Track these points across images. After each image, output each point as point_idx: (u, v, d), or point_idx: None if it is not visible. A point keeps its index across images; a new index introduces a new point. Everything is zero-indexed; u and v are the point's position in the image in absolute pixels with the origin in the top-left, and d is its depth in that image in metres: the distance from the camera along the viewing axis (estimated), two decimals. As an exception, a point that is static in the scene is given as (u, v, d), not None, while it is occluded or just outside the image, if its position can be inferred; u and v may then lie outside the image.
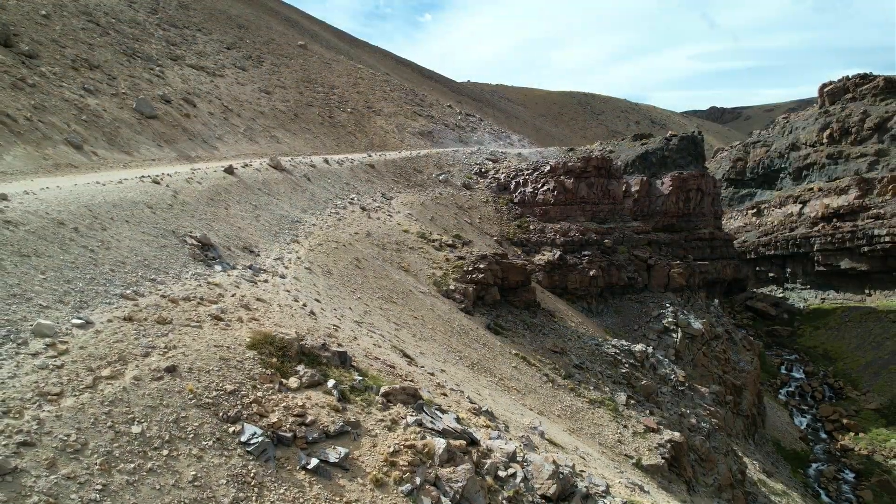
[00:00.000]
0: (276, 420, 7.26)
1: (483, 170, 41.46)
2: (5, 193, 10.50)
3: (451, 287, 22.49)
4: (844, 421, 42.17)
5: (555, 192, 37.36)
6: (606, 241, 36.33)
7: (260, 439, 6.83)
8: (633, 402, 22.23)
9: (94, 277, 9.29)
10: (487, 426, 10.66)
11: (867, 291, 56.69)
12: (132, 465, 5.76)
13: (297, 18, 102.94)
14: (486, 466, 8.12)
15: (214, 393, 7.24)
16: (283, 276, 15.00)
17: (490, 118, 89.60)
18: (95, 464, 5.56)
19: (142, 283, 9.92)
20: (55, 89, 22.71)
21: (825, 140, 65.41)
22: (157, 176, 17.37)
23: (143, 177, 16.86)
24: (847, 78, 68.46)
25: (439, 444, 7.86)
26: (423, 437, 7.98)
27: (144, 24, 40.57)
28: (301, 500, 6.44)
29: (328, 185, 28.63)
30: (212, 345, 8.25)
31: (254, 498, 6.16)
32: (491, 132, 58.72)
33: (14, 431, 5.39)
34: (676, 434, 21.00)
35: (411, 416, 8.45)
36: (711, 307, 40.67)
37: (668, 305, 34.89)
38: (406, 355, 13.89)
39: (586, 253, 34.87)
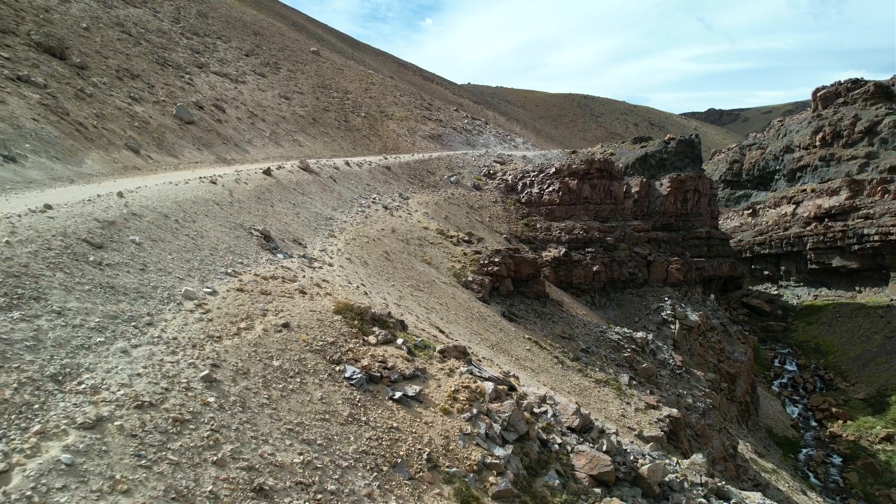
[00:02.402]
0: (366, 363, 9.48)
1: (491, 171, 43.71)
2: (121, 191, 12.71)
3: (470, 278, 24.70)
4: (833, 410, 44.44)
5: (560, 193, 39.62)
6: (608, 238, 38.58)
7: (359, 376, 9.06)
8: (634, 382, 24.45)
9: (203, 259, 11.51)
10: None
11: (857, 288, 59.01)
12: (280, 386, 7.98)
13: (303, 23, 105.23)
14: (524, 404, 10.35)
15: (320, 343, 9.47)
16: (331, 265, 17.21)
17: (492, 122, 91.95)
18: (259, 383, 7.78)
19: (235, 265, 12.14)
20: (108, 98, 24.90)
21: (818, 143, 67.78)
22: (213, 177, 19.55)
23: (201, 177, 19.04)
24: (839, 83, 70.88)
25: (488, 385, 10.09)
26: (475, 382, 10.21)
27: (170, 33, 42.76)
28: (393, 418, 8.66)
29: (351, 185, 30.85)
30: (307, 310, 10.48)
31: (362, 414, 8.38)
32: (496, 135, 61.00)
33: (205, 357, 7.62)
34: (674, 410, 23.21)
35: (464, 367, 10.68)
36: (707, 301, 42.93)
37: (666, 299, 37.14)
38: (441, 331, 16.12)
39: (590, 250, 37.12)
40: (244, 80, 42.57)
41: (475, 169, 43.98)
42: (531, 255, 29.33)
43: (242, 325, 9.04)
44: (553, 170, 40.58)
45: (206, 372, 7.27)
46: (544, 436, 10.01)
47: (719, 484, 11.44)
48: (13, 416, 5.19)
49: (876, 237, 55.68)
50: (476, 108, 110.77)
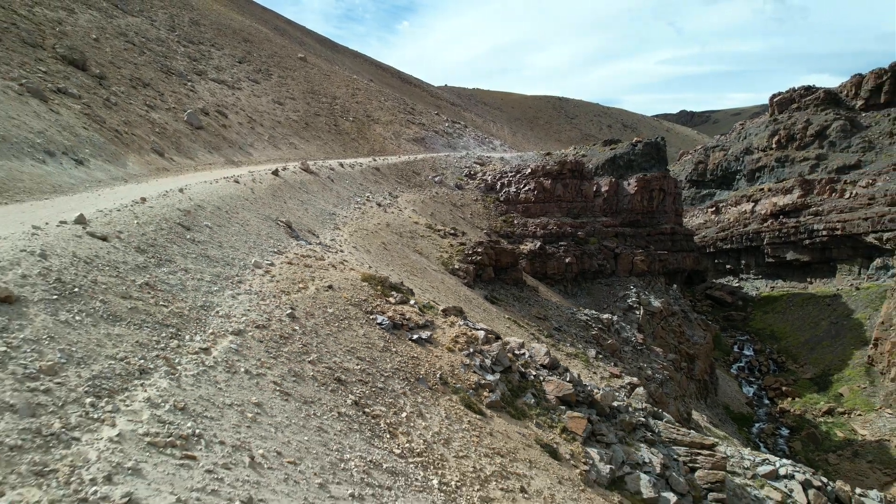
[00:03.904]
0: (391, 315, 12.71)
1: (472, 172, 47.10)
2: (182, 187, 15.70)
3: (456, 266, 27.99)
4: (784, 388, 48.89)
5: (535, 192, 43.18)
6: (580, 233, 42.26)
7: (387, 322, 12.29)
8: (601, 356, 28.03)
9: (255, 241, 14.59)
10: (501, 340, 16.20)
11: (809, 280, 63.93)
12: (337, 325, 11.17)
13: (284, 27, 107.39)
14: (507, 348, 13.70)
15: (357, 299, 12.67)
16: (342, 251, 20.31)
17: (470, 124, 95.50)
18: (322, 321, 10.96)
19: (277, 246, 15.23)
20: (129, 106, 27.57)
21: (774, 145, 72.80)
22: (235, 177, 22.45)
23: (226, 177, 21.94)
24: (793, 89, 76.10)
25: (481, 333, 13.40)
26: (471, 331, 13.51)
27: (168, 42, 45.18)
28: (413, 351, 11.90)
29: (347, 185, 33.88)
30: (342, 278, 13.66)
31: (392, 346, 11.61)
32: (475, 138, 64.45)
33: (283, 303, 10.77)
34: (635, 379, 26.80)
35: (461, 321, 13.98)
36: (670, 290, 46.94)
37: (632, 288, 40.96)
38: (437, 305, 19.37)
39: (562, 243, 40.74)
40: (240, 87, 45.19)
41: (457, 170, 47.31)
42: (510, 247, 32.77)
43: (300, 285, 12.20)
44: (529, 170, 44.14)
45: (289, 311, 10.45)
46: (523, 370, 13.37)
47: (656, 409, 14.93)
48: (195, 325, 8.32)
49: (824, 232, 60.58)
50: (454, 111, 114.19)
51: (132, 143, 23.16)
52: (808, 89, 74.83)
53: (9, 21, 27.28)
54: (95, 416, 5.20)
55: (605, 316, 31.50)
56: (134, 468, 4.74)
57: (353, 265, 16.83)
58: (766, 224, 68.08)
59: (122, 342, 6.73)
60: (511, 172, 45.14)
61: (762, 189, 71.97)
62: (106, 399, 5.53)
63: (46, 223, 9.24)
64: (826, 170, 65.28)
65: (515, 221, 41.75)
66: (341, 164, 37.24)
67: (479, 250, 29.26)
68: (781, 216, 66.64)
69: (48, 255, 7.74)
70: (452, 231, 32.09)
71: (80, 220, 9.80)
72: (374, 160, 42.43)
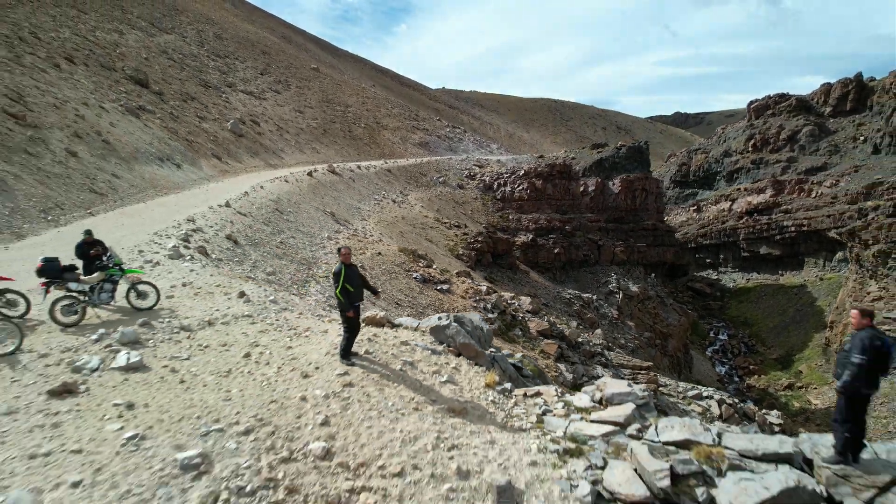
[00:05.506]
0: (421, 273, 18.24)
1: (472, 173, 52.62)
2: (261, 185, 21.18)
3: (460, 252, 33.48)
4: (751, 367, 54.52)
5: (528, 191, 48.73)
6: (567, 227, 47.82)
7: (420, 277, 17.82)
8: (581, 327, 33.52)
9: (320, 223, 20.08)
10: (498, 299, 21.74)
11: (780, 272, 69.65)
12: (389, 275, 16.68)
13: (289, 33, 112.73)
14: (502, 298, 19.24)
15: (398, 262, 18.20)
16: (373, 236, 25.82)
17: (469, 128, 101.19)
18: (380, 272, 16.47)
19: (334, 227, 20.71)
20: (186, 118, 32.98)
21: (750, 148, 78.58)
22: (284, 177, 27.92)
23: (277, 178, 27.40)
24: (769, 97, 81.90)
25: (483, 288, 18.95)
26: (476, 286, 19.05)
27: (200, 57, 50.56)
28: (438, 296, 17.42)
29: (365, 184, 39.35)
30: (385, 249, 19.18)
31: (424, 291, 17.13)
32: (474, 141, 69.99)
33: (365, 253, 16.28)
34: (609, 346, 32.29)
35: (469, 280, 19.52)
36: (648, 278, 52.53)
37: (612, 275, 46.52)
38: (449, 276, 24.89)
39: (552, 236, 46.27)
40: (265, 97, 50.55)
41: (458, 171, 52.85)
42: (505, 236, 38.30)
43: (361, 251, 17.71)
44: (522, 172, 49.69)
45: (360, 265, 15.97)
46: (514, 313, 18.91)
47: (609, 345, 20.47)
48: (311, 264, 13.81)
49: (793, 229, 66.31)
50: (453, 114, 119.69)
51: (199, 150, 28.59)
52: (783, 97, 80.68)
53: (88, 49, 32.72)
54: (302, 291, 10.73)
55: (586, 295, 37.05)
56: (327, 311, 10.26)
57: (388, 243, 22.36)
58: (741, 221, 73.71)
59: (289, 268, 12.25)
60: (507, 174, 50.67)
61: (739, 189, 77.64)
62: (300, 286, 11.06)
63: (211, 206, 14.73)
64: (796, 171, 71.02)
65: (510, 217, 47.26)
66: (359, 167, 42.68)
67: (480, 239, 34.75)
68: (756, 214, 72.31)
69: (233, 223, 13.24)
70: (456, 224, 37.59)
71: (228, 204, 15.29)
72: (386, 163, 47.90)
